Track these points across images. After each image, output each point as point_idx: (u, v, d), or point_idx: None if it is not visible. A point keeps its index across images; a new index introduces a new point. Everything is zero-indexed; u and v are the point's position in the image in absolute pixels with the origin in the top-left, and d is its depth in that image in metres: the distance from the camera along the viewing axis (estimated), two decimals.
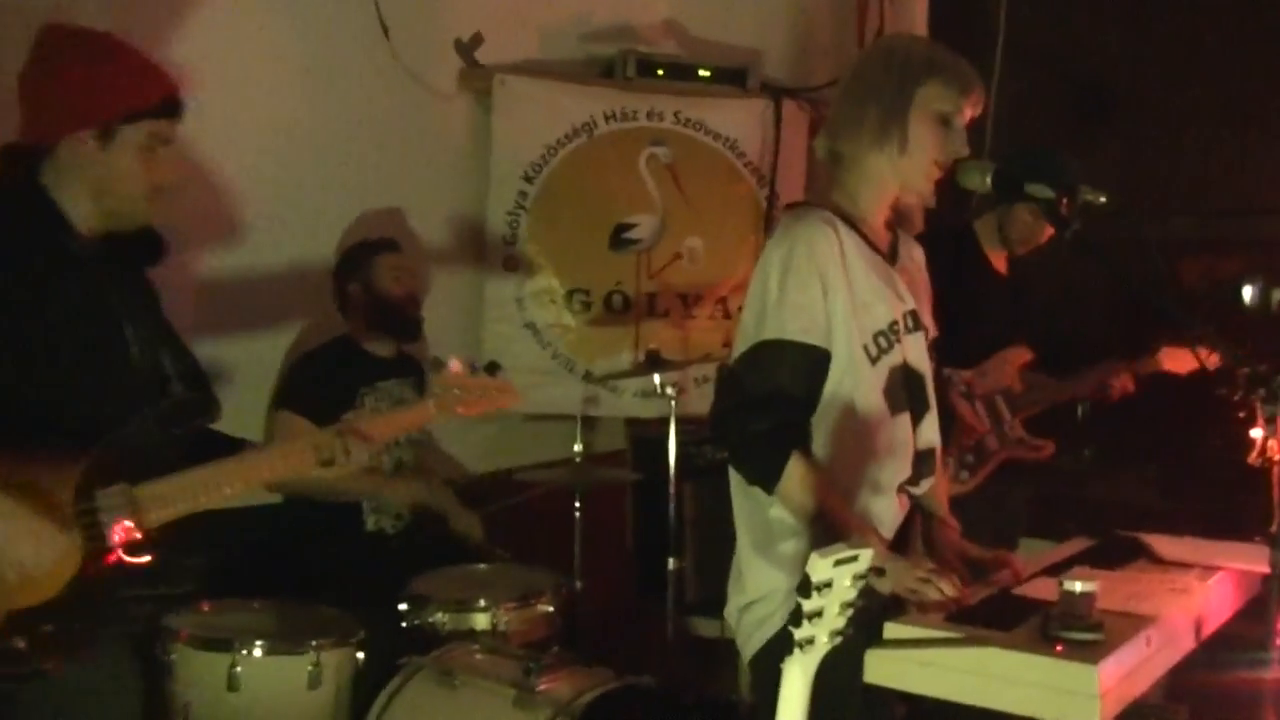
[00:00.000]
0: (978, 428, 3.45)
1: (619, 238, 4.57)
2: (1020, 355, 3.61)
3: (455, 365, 2.47)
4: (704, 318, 4.73)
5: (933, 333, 2.37)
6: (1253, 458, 1.86)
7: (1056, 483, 3.94)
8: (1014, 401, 3.57)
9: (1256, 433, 1.83)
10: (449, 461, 4.29)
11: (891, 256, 2.31)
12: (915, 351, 2.29)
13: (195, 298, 3.58)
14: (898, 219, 2.36)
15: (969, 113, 2.22)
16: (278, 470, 2.25)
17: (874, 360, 2.20)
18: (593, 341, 4.55)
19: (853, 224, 2.23)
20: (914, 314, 2.30)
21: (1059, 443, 3.60)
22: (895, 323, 2.24)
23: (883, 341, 2.22)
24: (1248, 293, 2.40)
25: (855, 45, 5.07)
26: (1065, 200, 2.18)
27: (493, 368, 2.57)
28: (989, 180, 2.26)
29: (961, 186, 2.28)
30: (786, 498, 2.12)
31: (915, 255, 2.43)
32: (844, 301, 2.16)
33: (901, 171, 2.21)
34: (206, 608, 3.02)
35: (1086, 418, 3.65)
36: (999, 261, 3.62)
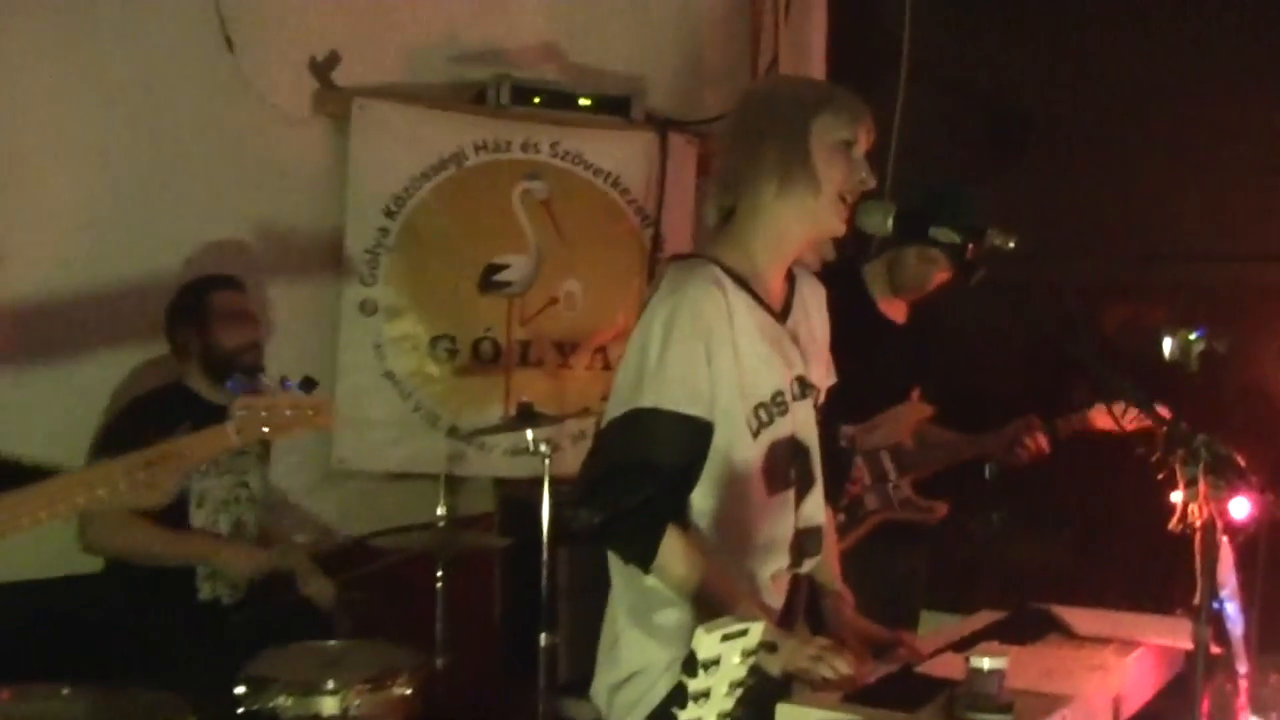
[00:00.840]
0: (852, 485, 3.47)
1: (489, 280, 4.54)
2: (917, 411, 3.64)
3: (261, 381, 2.46)
4: (581, 368, 4.72)
5: (827, 383, 2.39)
6: (1173, 524, 1.86)
7: (960, 549, 3.96)
8: (903, 459, 3.59)
9: (1177, 496, 1.84)
10: (301, 525, 4.22)
11: (784, 314, 2.33)
12: (803, 421, 2.31)
13: (14, 323, 3.51)
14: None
15: (864, 142, 2.25)
16: (81, 492, 2.21)
17: (755, 434, 2.21)
18: (459, 393, 4.51)
19: (743, 282, 2.24)
20: (802, 380, 2.32)
21: (963, 504, 3.63)
22: (780, 393, 2.26)
23: (763, 415, 2.23)
24: (1168, 345, 2.44)
25: (748, 74, 5.10)
26: (972, 245, 2.20)
27: (308, 384, 2.52)
28: (890, 222, 2.27)
29: (860, 229, 2.29)
30: (665, 574, 2.13)
31: (812, 296, 2.44)
32: (728, 371, 2.17)
33: (813, 213, 2.23)
34: (5, 695, 2.84)
35: (995, 478, 3.67)
36: (893, 309, 3.64)
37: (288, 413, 2.48)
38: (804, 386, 2.32)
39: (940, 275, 3.53)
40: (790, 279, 2.37)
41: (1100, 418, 3.56)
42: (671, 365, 2.12)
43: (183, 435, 2.47)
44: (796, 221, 2.25)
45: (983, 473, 3.68)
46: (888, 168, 4.36)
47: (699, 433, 2.15)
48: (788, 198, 2.22)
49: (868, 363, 3.40)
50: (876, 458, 3.57)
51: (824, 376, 2.42)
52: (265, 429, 2.46)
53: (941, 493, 3.64)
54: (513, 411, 4.10)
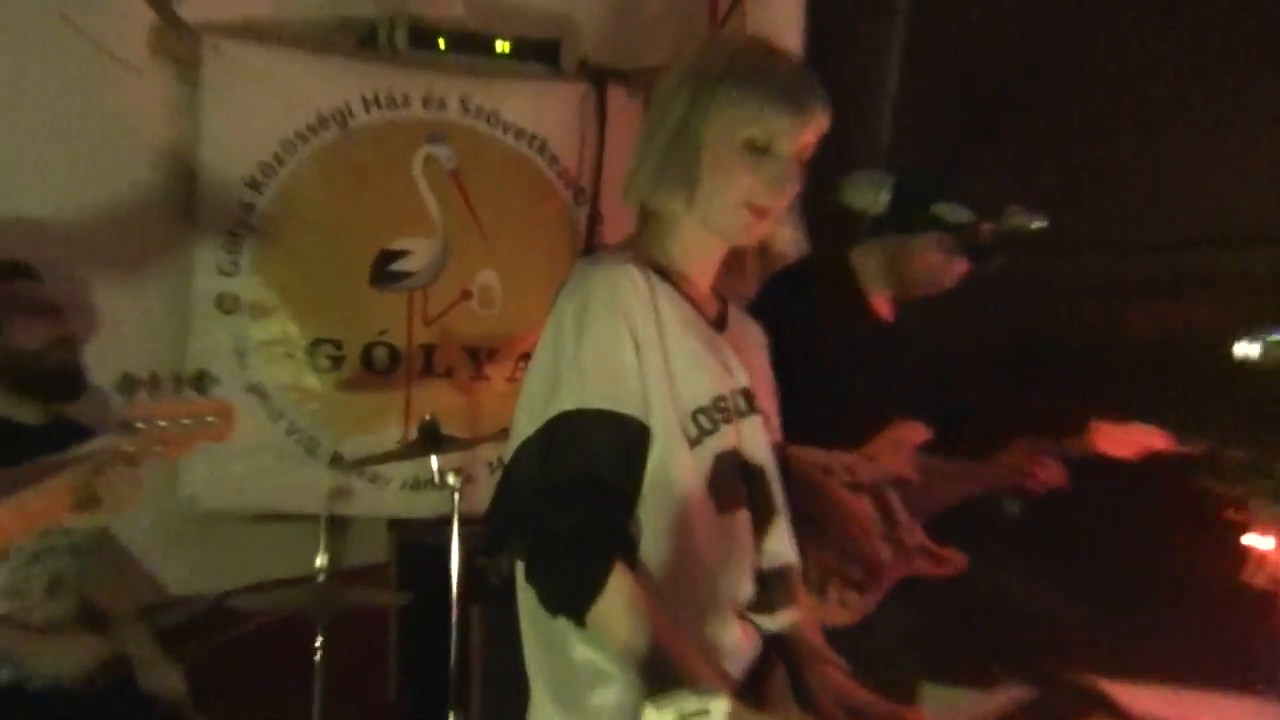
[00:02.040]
0: (869, 532, 3.44)
1: (384, 270, 4.54)
2: (914, 433, 3.61)
3: (153, 382, 2.46)
4: (500, 380, 4.74)
5: (776, 428, 2.42)
6: (1249, 574, 1.83)
7: (971, 606, 3.93)
8: (912, 498, 3.59)
9: (1253, 540, 1.79)
10: (139, 580, 4.18)
11: (719, 323, 2.37)
12: (751, 439, 2.33)
13: None
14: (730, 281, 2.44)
15: (803, 137, 2.26)
16: None
17: (694, 443, 2.22)
18: (345, 411, 4.51)
19: (669, 278, 2.29)
20: (748, 393, 2.35)
21: (971, 551, 3.61)
22: (722, 398, 2.28)
23: (704, 421, 2.24)
24: (1244, 348, 2.40)
25: (705, 14, 5.09)
26: (986, 224, 2.17)
27: (202, 380, 2.47)
28: (884, 197, 2.24)
29: (846, 206, 2.28)
30: (604, 628, 2.09)
31: (752, 335, 2.50)
32: (656, 366, 2.20)
33: (703, 220, 2.28)
34: None
35: (1015, 514, 3.66)
36: (882, 305, 3.62)
37: (187, 422, 2.42)
38: (750, 402, 2.35)
39: (961, 268, 3.52)
40: (723, 301, 2.42)
41: (1104, 439, 3.58)
42: (591, 357, 2.14)
43: (27, 470, 2.41)
44: (696, 227, 2.29)
45: (990, 510, 3.66)
46: (881, 132, 4.35)
47: (635, 436, 2.15)
48: (670, 197, 2.27)
49: (853, 373, 3.39)
50: (884, 497, 3.53)
51: (774, 416, 2.44)
52: (161, 445, 2.41)
53: (947, 535, 3.61)
54: (413, 434, 4.10)
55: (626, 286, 2.18)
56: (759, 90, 2.22)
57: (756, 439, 2.34)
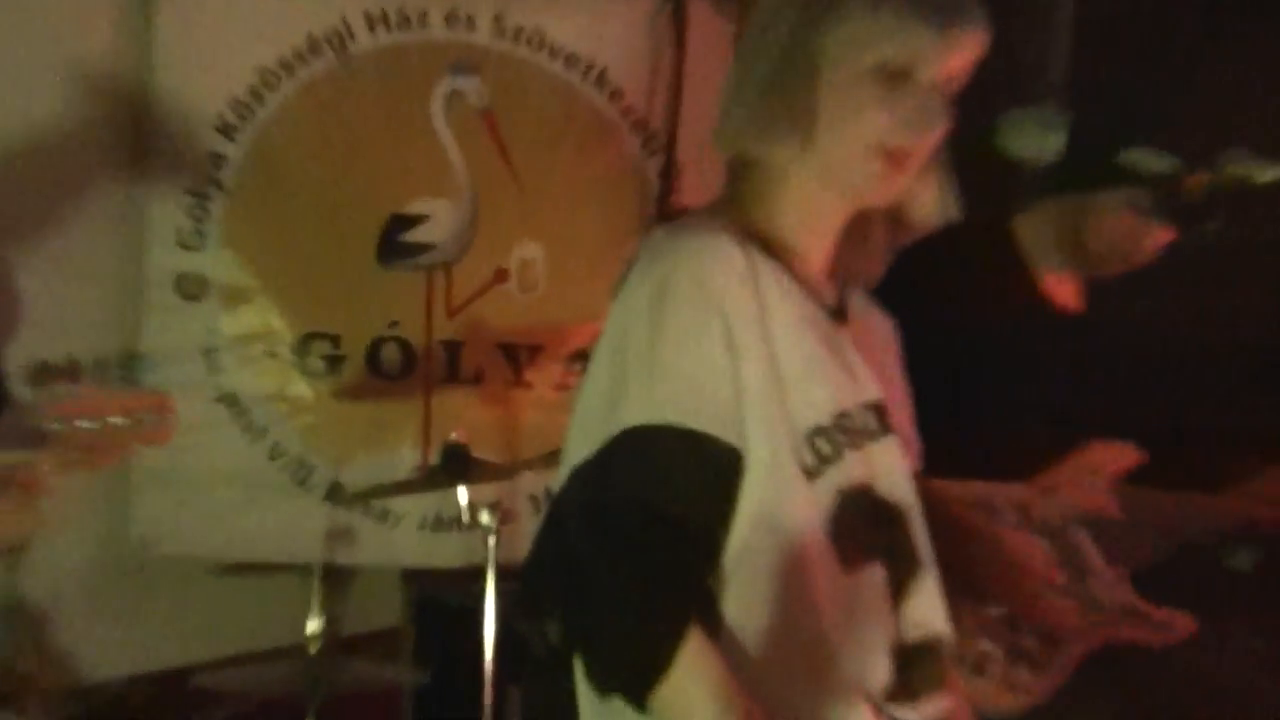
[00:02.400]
0: (1046, 588, 3.41)
1: (394, 242, 4.59)
2: (1116, 456, 3.57)
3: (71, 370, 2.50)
4: (546, 386, 4.76)
5: (915, 453, 2.43)
6: None
7: (1202, 687, 3.90)
8: (1112, 540, 3.54)
9: None
10: (72, 652, 4.17)
11: (839, 313, 2.36)
12: (887, 470, 2.33)
13: None
14: (851, 261, 2.42)
15: (952, 60, 2.23)
16: None
17: (811, 474, 2.20)
18: (345, 428, 4.55)
19: (775, 254, 2.27)
20: (879, 408, 2.33)
21: (1200, 616, 3.58)
22: (847, 415, 2.26)
23: (824, 445, 2.22)
24: None
25: None
26: (1196, 175, 2.14)
27: (132, 366, 2.47)
28: (1055, 142, 2.22)
29: (1006, 155, 2.26)
30: (675, 716, 2.07)
31: (880, 329, 2.50)
32: (760, 371, 2.17)
33: (822, 172, 2.26)
34: None
35: (1250, 568, 3.63)
36: (1061, 289, 3.62)
37: (119, 421, 2.40)
38: (883, 420, 2.33)
39: (1162, 234, 3.49)
40: (840, 283, 2.42)
41: None
42: (669, 359, 2.12)
43: None
44: (816, 182, 2.28)
45: (1224, 558, 3.63)
46: (1053, 56, 4.30)
47: (723, 462, 2.13)
48: (781, 146, 2.25)
49: (1031, 377, 3.39)
50: (1067, 539, 3.52)
51: (910, 430, 2.45)
52: (88, 451, 2.42)
53: (1165, 595, 3.59)
54: (434, 458, 4.14)
55: (720, 266, 2.16)
56: (897, 5, 2.19)
57: (893, 469, 2.33)
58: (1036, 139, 2.27)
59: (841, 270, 2.39)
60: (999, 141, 2.29)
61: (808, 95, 2.20)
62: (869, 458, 2.27)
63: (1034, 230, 3.61)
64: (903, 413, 2.43)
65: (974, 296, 3.42)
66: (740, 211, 2.29)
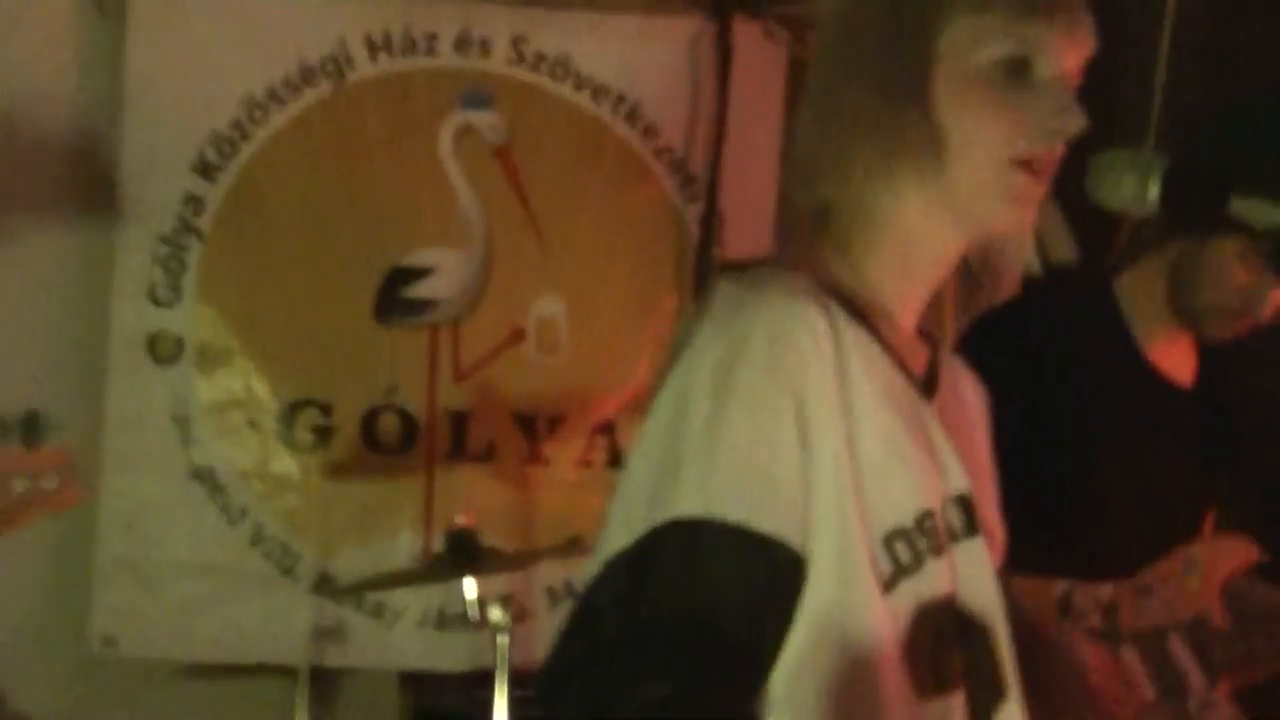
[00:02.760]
0: (1122, 703, 3.36)
1: (396, 297, 4.62)
2: (1232, 553, 3.56)
3: None
4: (567, 463, 4.77)
5: (999, 538, 2.39)
6: None
7: None
8: (1214, 649, 3.52)
9: None
10: None
11: (928, 385, 2.32)
12: (972, 578, 2.29)
13: None
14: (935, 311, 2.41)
15: (1060, 54, 2.21)
16: None
17: (889, 584, 2.16)
18: (337, 510, 4.58)
19: (861, 314, 2.22)
20: (966, 502, 2.30)
21: None
22: (930, 515, 2.22)
23: (903, 552, 2.18)
24: None
25: None
26: None
27: (33, 427, 2.47)
28: (1154, 190, 2.17)
29: (1097, 205, 2.23)
30: None
31: (969, 396, 2.47)
32: (836, 461, 2.12)
33: (942, 203, 2.21)
34: None
35: None
36: (1171, 357, 3.64)
37: (18, 486, 2.44)
38: (969, 515, 2.29)
39: None
40: (932, 341, 2.38)
41: None
42: (733, 442, 2.05)
43: None
44: (925, 218, 2.22)
45: None
46: (1154, 85, 4.28)
47: (782, 569, 2.07)
48: (906, 184, 2.20)
49: (1128, 458, 3.42)
50: (1163, 648, 3.49)
51: (996, 519, 2.41)
52: None
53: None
54: (438, 545, 4.17)
55: (800, 335, 2.11)
56: None
57: (979, 575, 2.30)
58: (1131, 185, 2.21)
59: (932, 328, 2.37)
60: (1089, 188, 2.24)
61: (928, 112, 2.17)
62: (953, 564, 2.23)
63: (1138, 288, 3.62)
64: (989, 498, 2.39)
65: (1069, 364, 3.45)
66: (821, 264, 2.24)
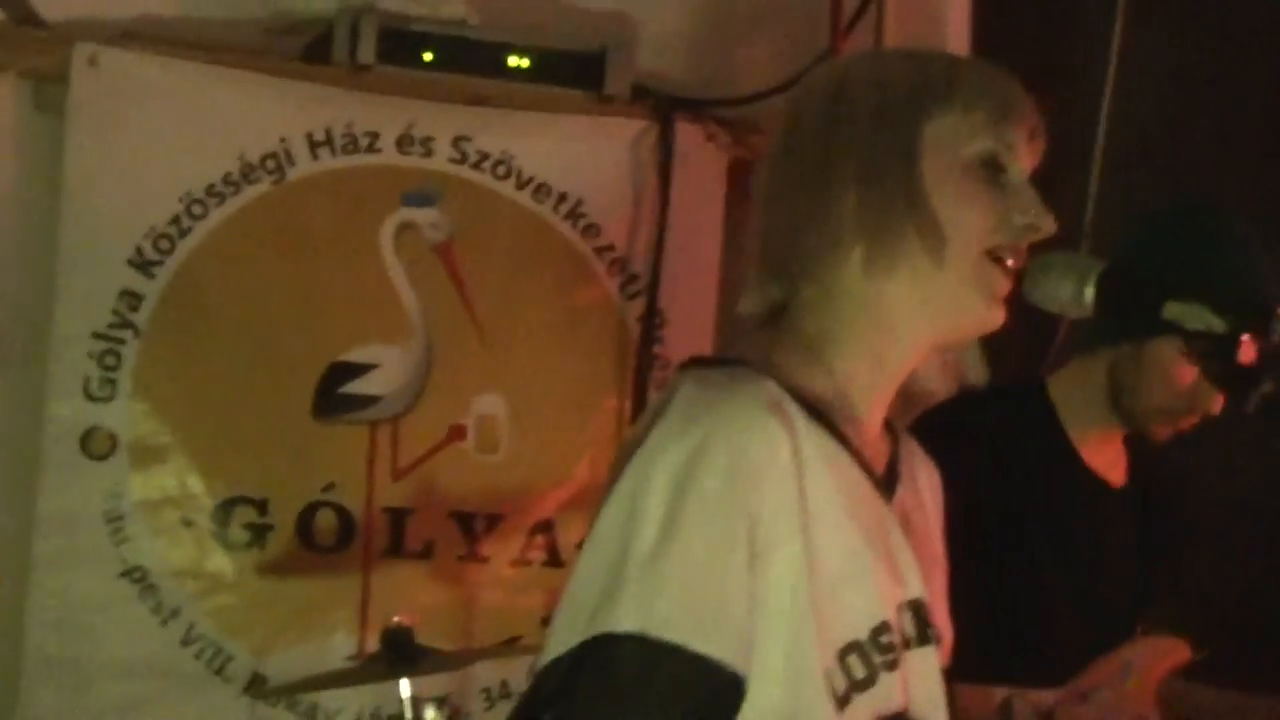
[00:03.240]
0: None
1: (334, 394, 4.59)
2: (1166, 653, 3.56)
3: None
4: (504, 562, 4.75)
5: (947, 635, 2.39)
6: None
7: None
8: None
9: None
10: None
11: (889, 482, 2.33)
12: (923, 688, 2.29)
13: None
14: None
15: (1027, 154, 2.27)
16: None
17: (843, 700, 2.15)
18: (271, 610, 4.52)
19: (823, 414, 2.23)
20: (919, 608, 2.30)
21: None
22: (886, 627, 2.23)
23: (858, 666, 2.18)
24: None
25: (826, 31, 5.08)
26: (1251, 334, 2.14)
27: None
28: (1089, 292, 2.22)
29: (1036, 305, 2.24)
30: None
31: (922, 478, 2.47)
32: (790, 577, 2.12)
33: (937, 295, 2.22)
34: None
35: None
36: (1104, 457, 3.66)
37: None
38: (922, 622, 2.29)
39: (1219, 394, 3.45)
40: (891, 431, 2.38)
41: None
42: (681, 560, 2.06)
43: None
44: (910, 312, 2.24)
45: None
46: (1087, 192, 4.32)
47: (720, 694, 2.08)
48: (890, 271, 2.21)
49: (1065, 560, 3.46)
50: None
51: (946, 616, 2.41)
52: None
53: None
54: (374, 645, 4.11)
55: (760, 453, 2.10)
56: (986, 94, 2.22)
57: (930, 687, 2.30)
58: (1068, 287, 2.24)
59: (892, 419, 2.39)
60: (1026, 289, 2.26)
61: (925, 204, 2.18)
62: (906, 675, 2.23)
63: (1073, 388, 3.64)
64: (941, 596, 2.41)
65: (1006, 465, 3.44)
66: (785, 365, 2.23)
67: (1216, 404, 3.48)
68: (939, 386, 2.36)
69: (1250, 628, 3.92)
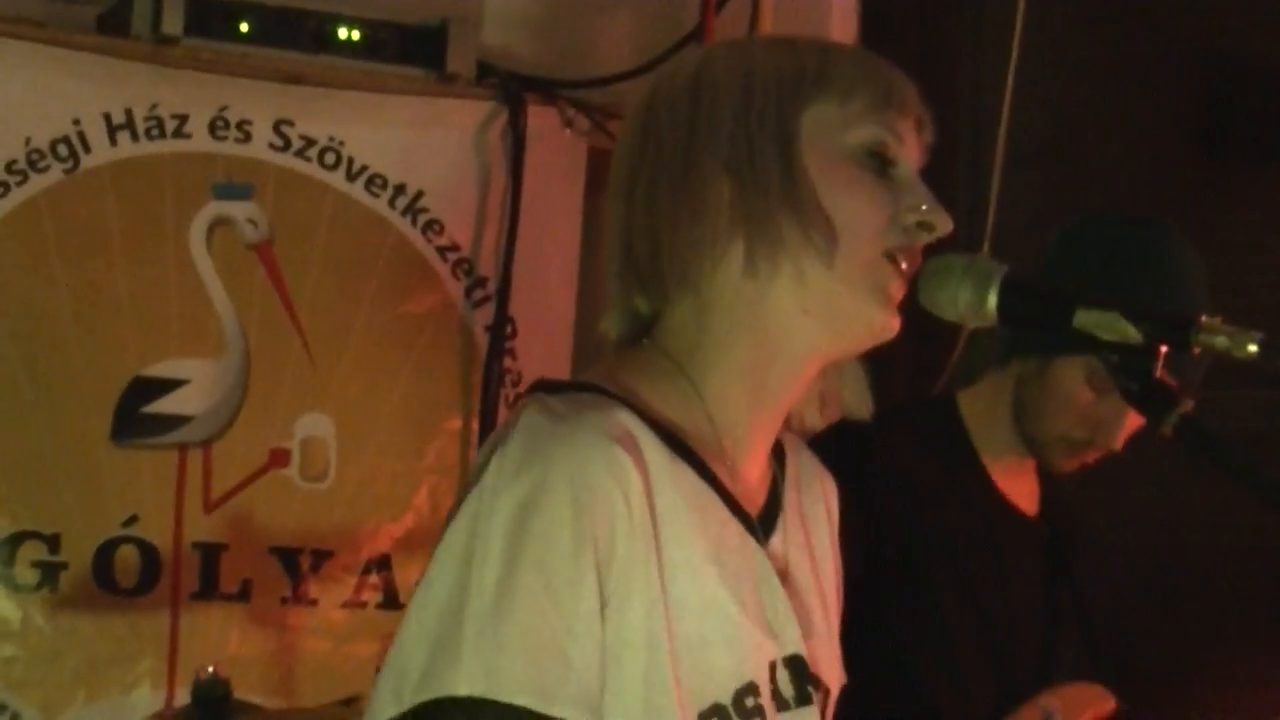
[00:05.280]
0: None
1: (137, 413, 4.55)
2: (1089, 702, 3.57)
3: None
4: (332, 606, 4.73)
5: (839, 678, 2.39)
6: None
7: None
8: None
9: None
10: None
11: (765, 522, 2.31)
12: None
13: None
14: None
15: (914, 146, 2.27)
16: None
17: None
18: (64, 659, 4.47)
19: (683, 445, 2.22)
20: (798, 665, 2.28)
21: None
22: (752, 689, 2.21)
23: None
24: None
25: (694, 8, 5.13)
26: (1166, 345, 2.11)
27: None
28: (991, 301, 2.18)
29: (932, 312, 2.20)
30: None
31: (811, 499, 2.46)
32: (648, 629, 2.11)
33: (827, 300, 2.20)
34: None
35: None
36: (1017, 483, 3.67)
37: None
38: (802, 679, 2.28)
39: (1132, 416, 3.48)
40: (779, 454, 2.37)
41: None
42: (523, 612, 2.05)
43: None
44: (794, 320, 2.22)
45: None
46: (989, 195, 4.33)
47: None
48: (773, 272, 2.19)
49: (976, 597, 3.50)
50: None
51: (834, 664, 2.39)
52: None
53: None
54: (182, 700, 4.16)
55: (610, 492, 2.09)
56: (866, 82, 2.22)
57: None
58: (968, 293, 2.20)
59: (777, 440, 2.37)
60: (921, 295, 2.22)
61: (811, 194, 2.17)
62: None
63: (981, 409, 3.67)
64: (829, 640, 2.40)
65: (908, 486, 3.48)
66: (644, 388, 2.24)
67: (1119, 437, 3.53)
68: (815, 423, 2.33)
69: (1144, 673, 3.97)
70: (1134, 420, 3.49)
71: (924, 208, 2.17)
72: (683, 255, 2.21)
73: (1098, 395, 3.47)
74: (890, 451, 3.45)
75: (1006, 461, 3.61)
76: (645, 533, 2.11)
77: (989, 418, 3.62)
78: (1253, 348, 2.77)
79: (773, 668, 2.23)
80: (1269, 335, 2.91)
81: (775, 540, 2.29)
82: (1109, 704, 3.59)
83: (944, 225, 2.18)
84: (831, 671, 2.36)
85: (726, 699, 2.17)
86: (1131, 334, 2.15)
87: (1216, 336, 2.18)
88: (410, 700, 2.05)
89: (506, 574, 2.04)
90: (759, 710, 2.19)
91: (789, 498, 2.35)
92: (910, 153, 2.22)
